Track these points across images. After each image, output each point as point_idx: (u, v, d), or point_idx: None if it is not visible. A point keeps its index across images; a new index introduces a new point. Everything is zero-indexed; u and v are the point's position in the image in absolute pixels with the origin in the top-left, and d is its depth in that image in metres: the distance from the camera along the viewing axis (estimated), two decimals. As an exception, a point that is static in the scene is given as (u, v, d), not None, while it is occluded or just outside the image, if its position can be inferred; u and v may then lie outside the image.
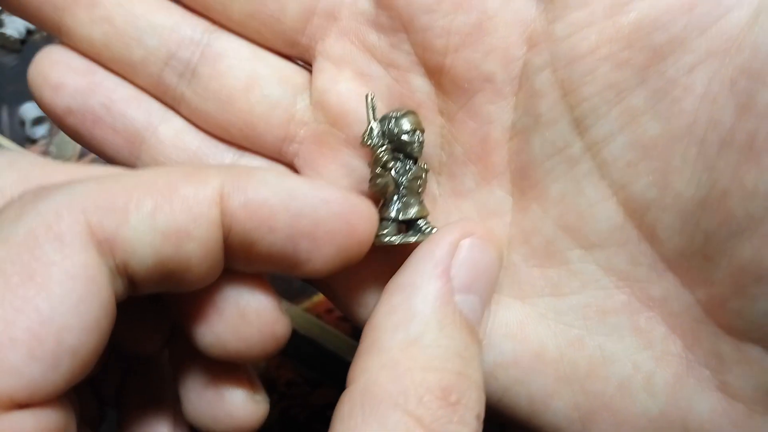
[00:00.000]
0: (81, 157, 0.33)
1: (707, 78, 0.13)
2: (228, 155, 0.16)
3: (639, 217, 0.15)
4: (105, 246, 0.12)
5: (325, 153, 0.16)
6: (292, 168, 0.17)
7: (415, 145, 0.15)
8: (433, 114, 0.16)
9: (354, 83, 0.16)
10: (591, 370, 0.15)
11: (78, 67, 0.16)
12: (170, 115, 0.16)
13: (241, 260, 0.14)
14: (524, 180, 0.16)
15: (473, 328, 0.14)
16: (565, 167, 0.15)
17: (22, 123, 0.33)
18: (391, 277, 0.15)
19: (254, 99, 0.16)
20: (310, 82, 0.16)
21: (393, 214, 0.16)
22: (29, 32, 0.35)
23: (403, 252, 0.15)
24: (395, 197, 0.16)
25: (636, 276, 0.15)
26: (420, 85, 0.16)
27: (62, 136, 0.34)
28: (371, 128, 0.15)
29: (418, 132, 0.15)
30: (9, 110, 0.34)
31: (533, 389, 0.15)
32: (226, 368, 0.15)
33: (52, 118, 0.16)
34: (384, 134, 0.15)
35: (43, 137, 0.33)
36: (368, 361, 0.13)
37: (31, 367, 0.11)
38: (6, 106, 0.34)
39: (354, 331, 0.31)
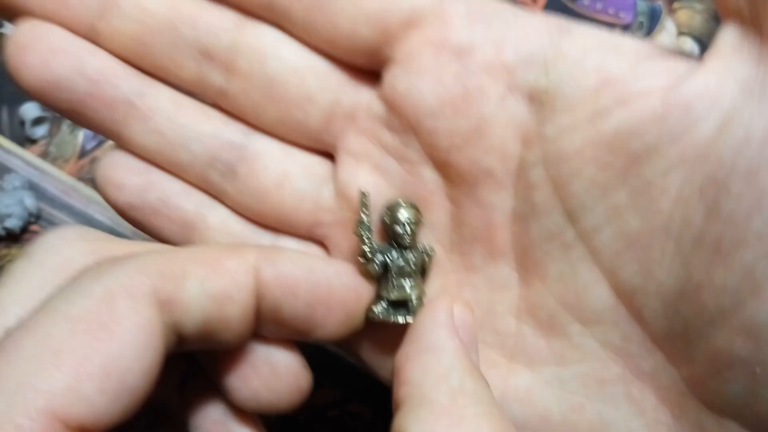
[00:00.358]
0: (81, 157, 0.33)
1: (680, 182, 0.15)
2: (267, 238, 0.19)
3: (628, 300, 0.16)
4: (165, 306, 0.14)
5: (350, 236, 0.18)
6: (324, 246, 0.19)
7: (406, 236, 0.17)
8: (443, 200, 0.18)
9: (371, 176, 0.18)
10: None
11: (136, 168, 0.18)
12: (216, 204, 0.19)
13: (269, 324, 0.17)
14: (527, 259, 0.17)
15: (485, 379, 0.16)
16: (561, 251, 0.16)
17: (22, 123, 0.33)
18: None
19: (286, 193, 0.18)
20: (334, 172, 0.18)
21: (382, 293, 0.18)
22: (29, 32, 0.35)
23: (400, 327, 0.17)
24: (388, 279, 0.18)
25: (628, 351, 0.16)
26: (430, 177, 0.18)
27: (62, 136, 0.34)
28: (360, 221, 0.17)
29: (408, 225, 0.17)
30: (9, 110, 0.34)
31: None
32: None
33: (117, 211, 0.19)
34: (383, 222, 0.18)
35: (43, 137, 0.33)
36: (420, 413, 0.15)
37: (100, 398, 0.13)
38: (6, 106, 0.34)
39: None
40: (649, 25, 0.34)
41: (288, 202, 0.18)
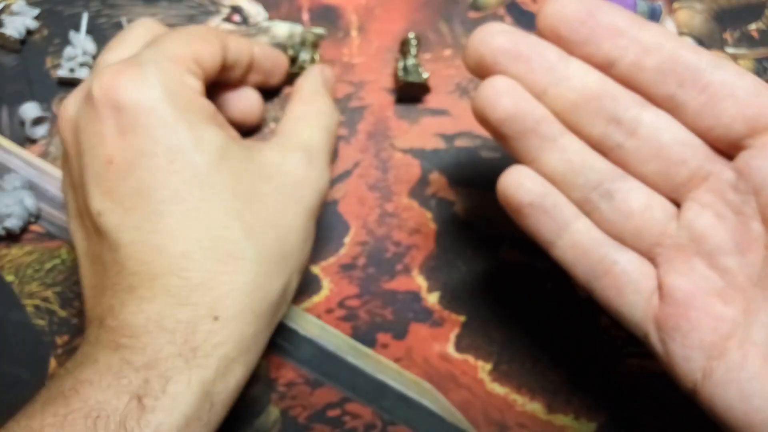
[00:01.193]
0: (81, 157, 0.33)
1: None
2: (613, 249, 0.25)
3: None
4: (196, 63, 0.26)
5: (680, 256, 0.24)
6: (653, 262, 0.24)
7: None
8: (762, 249, 0.22)
9: (712, 219, 0.23)
10: None
11: (538, 179, 0.25)
12: (585, 217, 0.25)
13: (254, 72, 0.31)
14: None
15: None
16: None
17: (22, 123, 0.33)
18: None
19: (646, 216, 0.24)
20: (678, 214, 0.24)
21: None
22: (29, 32, 0.35)
23: None
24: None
25: None
26: (756, 228, 0.22)
27: (62, 136, 0.34)
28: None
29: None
30: (9, 110, 0.34)
31: None
32: None
33: (515, 206, 0.25)
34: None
35: (43, 137, 0.33)
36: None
37: (202, 61, 0.27)
38: (6, 106, 0.34)
39: (354, 331, 0.31)
40: (649, 25, 0.34)
41: (646, 224, 0.24)
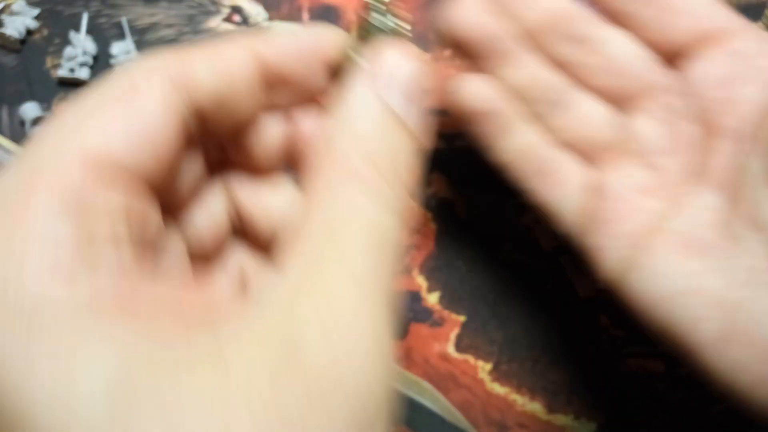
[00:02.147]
0: (81, 157, 0.34)
1: None
2: (563, 156, 0.26)
3: None
4: (178, 82, 0.17)
5: (618, 158, 0.25)
6: (592, 164, 0.25)
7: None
8: (696, 146, 0.24)
9: (653, 125, 0.25)
10: (741, 304, 0.20)
11: (489, 87, 0.26)
12: (530, 125, 0.26)
13: (278, 90, 0.19)
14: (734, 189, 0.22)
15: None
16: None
17: (22, 123, 0.33)
18: None
19: (592, 124, 0.26)
20: (622, 121, 0.26)
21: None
22: (29, 32, 0.35)
23: None
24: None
25: None
26: (694, 130, 0.24)
27: (62, 136, 0.34)
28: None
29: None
30: (9, 110, 0.34)
31: (686, 313, 0.21)
32: None
33: (465, 108, 0.27)
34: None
35: (43, 137, 0.33)
36: (301, 247, 0.15)
37: (125, 139, 0.15)
38: (6, 106, 0.34)
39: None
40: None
41: (590, 131, 0.25)
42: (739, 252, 0.21)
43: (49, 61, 0.34)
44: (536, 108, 0.26)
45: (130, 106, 0.16)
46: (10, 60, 0.34)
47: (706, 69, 0.23)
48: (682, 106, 0.24)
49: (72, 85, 0.34)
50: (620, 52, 0.25)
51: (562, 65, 0.25)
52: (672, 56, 0.24)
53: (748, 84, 0.23)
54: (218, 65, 0.18)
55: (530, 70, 0.25)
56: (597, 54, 0.25)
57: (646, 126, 0.24)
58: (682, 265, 0.21)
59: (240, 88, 0.18)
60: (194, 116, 0.17)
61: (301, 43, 0.19)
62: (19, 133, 0.33)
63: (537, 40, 0.25)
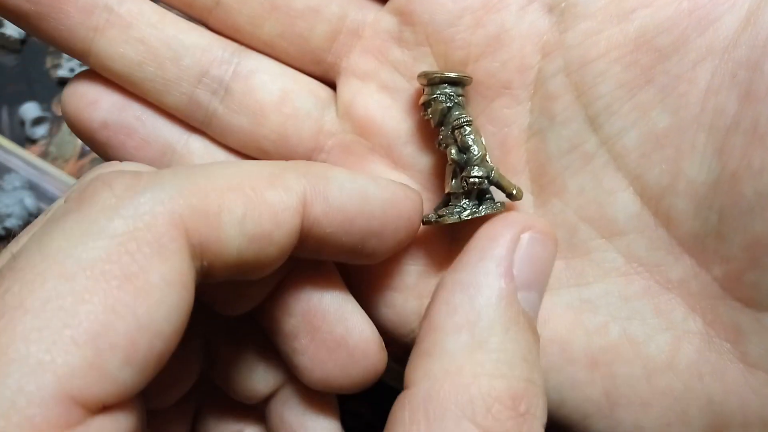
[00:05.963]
0: (81, 157, 0.33)
1: (709, 72, 0.15)
2: None
3: (655, 203, 0.16)
4: (197, 249, 0.12)
5: (352, 161, 0.17)
6: None
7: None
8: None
9: (379, 95, 0.17)
10: (617, 354, 0.16)
11: (112, 86, 0.17)
12: (197, 135, 0.18)
13: (310, 253, 0.15)
14: (543, 176, 0.17)
15: (534, 327, 0.14)
16: (581, 162, 0.16)
17: (22, 123, 0.33)
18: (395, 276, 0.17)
19: (287, 111, 0.17)
20: (335, 96, 0.18)
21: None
22: (29, 32, 0.35)
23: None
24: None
25: (654, 261, 0.16)
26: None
27: (62, 136, 0.34)
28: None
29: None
30: (9, 110, 0.34)
31: (562, 378, 0.16)
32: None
33: (87, 134, 0.17)
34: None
35: (43, 137, 0.33)
36: (430, 365, 0.13)
37: (124, 372, 0.11)
38: (6, 106, 0.34)
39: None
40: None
41: (289, 122, 0.17)
42: (592, 272, 0.17)
43: (49, 61, 0.34)
44: (176, 102, 0.17)
45: (133, 304, 0.11)
46: (10, 60, 0.34)
47: None
48: (410, 57, 0.17)
49: (72, 85, 0.34)
50: None
51: (198, 16, 0.18)
52: None
53: (504, 6, 0.17)
54: (252, 225, 0.13)
55: (149, 28, 0.17)
56: None
57: (369, 101, 0.17)
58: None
59: (271, 253, 0.14)
60: (200, 281, 0.13)
61: (370, 210, 0.15)
62: (19, 133, 0.33)
63: None
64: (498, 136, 0.17)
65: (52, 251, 0.11)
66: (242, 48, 0.17)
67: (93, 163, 0.33)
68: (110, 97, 0.17)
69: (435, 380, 0.13)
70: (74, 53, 0.17)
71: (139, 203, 0.12)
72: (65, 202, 0.13)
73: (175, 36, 0.17)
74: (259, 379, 0.17)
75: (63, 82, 0.34)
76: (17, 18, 0.16)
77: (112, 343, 0.11)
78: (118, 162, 0.16)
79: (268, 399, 0.18)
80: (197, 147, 0.17)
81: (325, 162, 0.17)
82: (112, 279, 0.11)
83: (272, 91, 0.17)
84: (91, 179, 0.13)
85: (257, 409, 0.18)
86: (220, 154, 0.17)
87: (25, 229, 0.14)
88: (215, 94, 0.17)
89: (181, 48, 0.17)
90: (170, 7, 0.18)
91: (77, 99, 0.17)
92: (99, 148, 0.17)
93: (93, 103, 0.17)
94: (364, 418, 0.31)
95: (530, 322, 0.14)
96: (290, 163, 0.15)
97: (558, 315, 0.16)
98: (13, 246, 0.13)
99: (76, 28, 0.16)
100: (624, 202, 0.16)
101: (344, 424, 0.30)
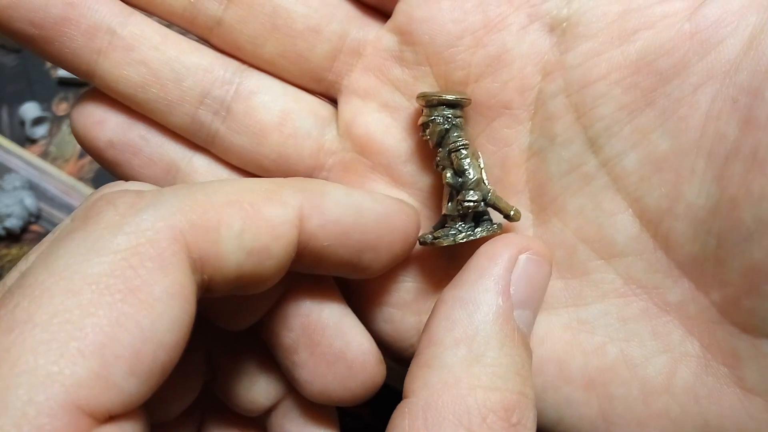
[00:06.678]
0: (81, 157, 0.33)
1: (710, 97, 0.15)
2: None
3: (654, 226, 0.16)
4: (198, 263, 0.13)
5: (353, 179, 0.17)
6: None
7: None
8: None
9: (379, 114, 0.17)
10: (614, 375, 0.16)
11: (118, 106, 0.17)
12: (201, 153, 0.18)
13: (308, 267, 0.15)
14: (543, 196, 0.17)
15: (528, 343, 0.15)
16: (581, 183, 0.16)
17: (22, 123, 0.33)
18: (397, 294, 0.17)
19: (287, 131, 0.17)
20: (336, 114, 0.18)
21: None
22: (29, 32, 0.35)
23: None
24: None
25: (653, 283, 0.16)
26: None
27: (62, 136, 0.34)
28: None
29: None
30: (9, 110, 0.34)
31: (559, 397, 0.16)
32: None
33: (95, 152, 0.18)
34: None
35: (43, 137, 0.33)
36: (429, 376, 0.14)
37: (129, 382, 0.11)
38: (6, 106, 0.34)
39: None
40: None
41: (289, 142, 0.17)
42: (590, 293, 0.17)
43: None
44: (195, 118, 0.18)
45: (137, 316, 0.12)
46: (10, 60, 0.34)
47: (430, 8, 0.17)
48: (410, 77, 0.17)
49: (72, 85, 0.34)
50: None
51: (199, 35, 0.18)
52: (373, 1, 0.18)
53: (505, 26, 0.17)
54: (251, 239, 0.13)
55: (151, 50, 0.17)
56: (249, 2, 0.17)
57: (370, 120, 0.18)
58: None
59: (270, 266, 0.14)
60: (200, 295, 0.13)
61: (365, 224, 0.15)
62: (19, 133, 0.33)
63: None
64: (498, 155, 0.17)
65: (59, 267, 0.12)
66: (244, 67, 0.17)
67: (93, 163, 0.33)
68: (116, 117, 0.17)
69: (434, 390, 0.13)
70: (79, 74, 0.17)
71: (141, 220, 0.12)
72: (71, 221, 0.14)
73: (176, 57, 0.17)
74: (261, 391, 0.17)
75: (63, 82, 0.34)
76: (23, 41, 0.17)
77: (117, 354, 0.11)
78: (122, 182, 0.16)
79: (269, 411, 0.18)
80: (201, 165, 0.18)
81: (326, 180, 0.18)
82: (116, 292, 0.12)
83: (273, 111, 0.17)
84: (96, 199, 0.13)
85: (259, 422, 0.18)
86: (224, 172, 0.18)
87: (33, 248, 0.14)
88: (217, 115, 0.17)
89: (182, 69, 0.17)
90: (172, 25, 0.18)
91: (84, 118, 0.17)
92: (107, 166, 0.18)
93: (99, 122, 0.17)
94: (364, 420, 0.31)
95: (524, 339, 0.15)
96: (287, 179, 0.15)
97: (556, 334, 0.16)
98: (23, 264, 0.14)
99: (80, 51, 0.16)
100: (623, 223, 0.16)
101: (345, 425, 0.30)
